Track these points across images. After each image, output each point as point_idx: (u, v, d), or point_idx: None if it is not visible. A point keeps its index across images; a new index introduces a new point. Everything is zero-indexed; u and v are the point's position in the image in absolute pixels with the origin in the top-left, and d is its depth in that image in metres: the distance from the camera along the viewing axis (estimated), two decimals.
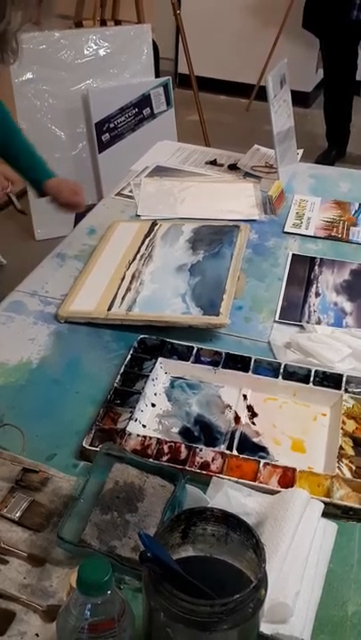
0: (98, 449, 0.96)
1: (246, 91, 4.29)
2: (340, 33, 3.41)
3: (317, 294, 1.37)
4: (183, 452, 0.98)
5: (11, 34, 1.09)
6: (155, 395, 1.09)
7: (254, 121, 3.50)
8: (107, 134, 2.79)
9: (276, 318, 1.29)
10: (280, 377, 1.11)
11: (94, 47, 2.76)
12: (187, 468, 0.95)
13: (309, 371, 1.12)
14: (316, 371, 1.12)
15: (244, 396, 1.10)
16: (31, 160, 1.54)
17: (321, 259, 1.48)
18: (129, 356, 1.14)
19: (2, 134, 1.51)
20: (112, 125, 2.80)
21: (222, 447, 1.00)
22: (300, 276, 1.42)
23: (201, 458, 0.97)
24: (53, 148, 2.64)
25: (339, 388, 1.09)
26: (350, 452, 0.99)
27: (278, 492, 0.91)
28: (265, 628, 0.74)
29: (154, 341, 1.18)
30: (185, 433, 1.03)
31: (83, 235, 1.55)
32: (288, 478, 0.94)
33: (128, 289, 1.33)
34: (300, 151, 1.93)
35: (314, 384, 1.10)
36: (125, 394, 1.07)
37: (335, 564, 0.85)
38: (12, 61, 1.15)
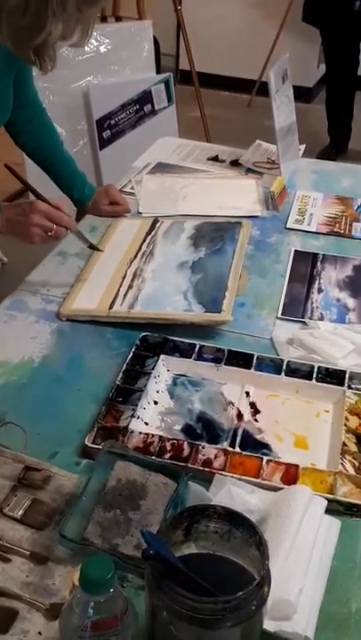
0: (100, 447, 0.95)
1: (248, 86, 4.28)
2: (343, 25, 3.39)
3: (320, 290, 1.36)
4: (186, 450, 0.97)
5: (50, 44, 1.10)
6: (157, 392, 1.09)
7: (256, 117, 3.48)
8: (108, 131, 2.78)
9: (279, 315, 1.29)
10: (283, 374, 1.11)
11: (95, 44, 2.74)
12: (189, 465, 0.95)
13: (312, 367, 1.11)
14: (318, 367, 1.11)
15: (247, 393, 1.10)
16: (73, 178, 1.56)
17: (323, 255, 1.48)
18: (131, 354, 1.14)
19: (46, 149, 1.53)
20: (113, 122, 2.79)
21: (225, 444, 1.00)
22: (302, 272, 1.42)
23: (203, 455, 0.97)
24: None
25: (342, 384, 1.09)
26: (353, 448, 0.99)
27: (281, 488, 0.91)
28: (268, 625, 0.74)
29: (156, 339, 1.18)
30: (187, 430, 1.03)
31: (84, 232, 1.54)
32: (291, 475, 0.94)
33: (130, 287, 1.33)
34: (302, 147, 1.92)
35: (317, 380, 1.10)
36: (127, 391, 1.07)
37: (339, 561, 0.85)
38: (50, 68, 1.16)
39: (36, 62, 1.14)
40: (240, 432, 1.02)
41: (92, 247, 1.43)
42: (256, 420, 1.05)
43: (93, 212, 1.59)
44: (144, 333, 1.18)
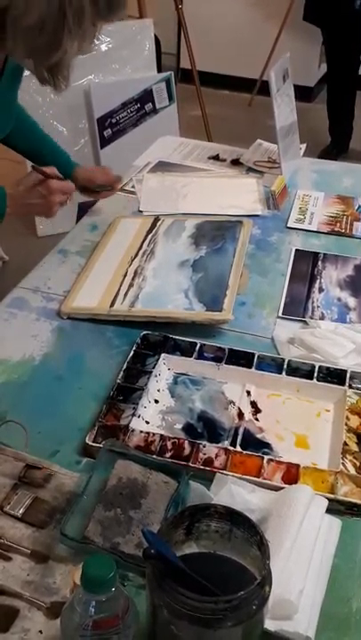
0: (101, 445, 0.95)
1: (249, 85, 4.28)
2: (343, 24, 3.39)
3: (321, 290, 1.36)
4: (186, 449, 0.97)
5: (65, 64, 1.10)
6: (158, 391, 1.09)
7: (257, 116, 3.48)
8: (109, 130, 2.78)
9: (280, 314, 1.29)
10: (284, 373, 1.11)
11: (96, 42, 2.73)
12: (190, 464, 0.95)
13: (313, 367, 1.11)
14: (319, 366, 1.11)
15: (248, 392, 1.10)
16: (56, 156, 1.53)
17: (324, 254, 1.48)
18: (132, 353, 1.14)
19: (25, 129, 1.51)
20: (114, 121, 2.79)
21: (226, 443, 1.00)
22: (303, 271, 1.42)
23: (204, 454, 0.97)
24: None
25: (343, 383, 1.09)
26: (354, 447, 0.99)
27: (282, 488, 0.91)
28: (269, 624, 0.74)
29: (157, 337, 1.18)
30: (188, 429, 1.03)
31: (85, 231, 1.54)
32: (292, 474, 0.94)
33: (130, 285, 1.33)
34: (303, 146, 1.92)
35: (318, 380, 1.10)
36: (128, 390, 1.07)
37: (339, 561, 0.85)
38: (64, 87, 1.16)
39: (51, 81, 1.14)
40: (241, 431, 1.02)
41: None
42: (257, 420, 1.05)
43: (88, 183, 1.54)
44: (145, 332, 1.18)
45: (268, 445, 1.01)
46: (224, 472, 0.93)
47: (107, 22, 1.10)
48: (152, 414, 1.05)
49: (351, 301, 1.33)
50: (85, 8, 1.03)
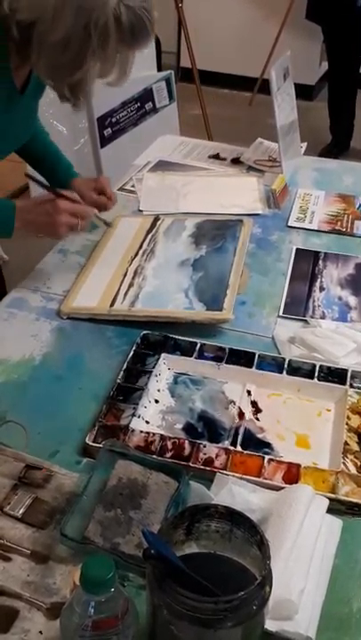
0: (101, 445, 0.95)
1: (249, 84, 4.28)
2: (345, 22, 3.39)
3: (322, 289, 1.36)
4: (187, 449, 0.97)
5: (86, 82, 1.10)
6: (158, 391, 1.09)
7: (257, 114, 3.48)
8: (109, 129, 2.77)
9: (280, 313, 1.29)
10: (284, 372, 1.11)
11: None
12: (190, 464, 0.95)
13: (314, 366, 1.11)
14: (320, 366, 1.11)
15: (248, 392, 1.09)
16: (56, 155, 1.52)
17: (325, 253, 1.47)
18: (132, 352, 1.14)
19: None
20: (114, 120, 2.78)
21: (226, 443, 1.00)
22: (304, 270, 1.42)
23: (205, 454, 0.97)
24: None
25: (343, 383, 1.09)
26: (355, 447, 0.99)
27: (283, 487, 0.91)
28: (270, 624, 0.74)
29: (157, 337, 1.17)
30: (188, 429, 1.03)
31: (85, 230, 1.54)
32: (293, 474, 0.94)
33: (131, 284, 1.32)
34: (304, 145, 1.92)
35: (318, 379, 1.10)
36: (128, 390, 1.07)
37: (340, 561, 0.85)
38: (82, 107, 1.17)
39: (71, 99, 1.14)
40: (241, 431, 1.02)
41: (107, 224, 1.45)
42: (257, 419, 1.05)
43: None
44: (145, 332, 1.18)
45: (268, 445, 1.01)
46: (224, 472, 0.93)
47: (130, 50, 1.09)
48: (152, 414, 1.05)
49: (352, 300, 1.33)
50: (110, 30, 1.03)
